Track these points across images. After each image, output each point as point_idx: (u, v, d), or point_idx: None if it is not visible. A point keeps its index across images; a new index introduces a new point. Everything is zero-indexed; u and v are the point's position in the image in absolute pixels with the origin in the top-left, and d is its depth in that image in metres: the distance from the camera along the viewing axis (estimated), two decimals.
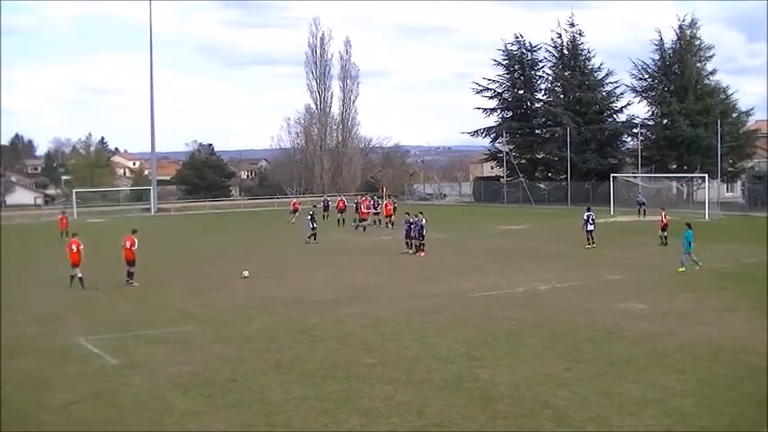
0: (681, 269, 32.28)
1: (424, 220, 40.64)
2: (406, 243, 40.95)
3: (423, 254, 39.20)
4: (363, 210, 57.04)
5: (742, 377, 16.74)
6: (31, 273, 36.08)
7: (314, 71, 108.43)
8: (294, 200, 69.05)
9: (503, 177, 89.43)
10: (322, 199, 70.91)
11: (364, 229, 54.26)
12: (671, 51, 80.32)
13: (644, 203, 62.95)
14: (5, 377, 17.86)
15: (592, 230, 40.95)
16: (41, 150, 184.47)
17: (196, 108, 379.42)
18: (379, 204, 60.38)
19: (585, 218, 41.14)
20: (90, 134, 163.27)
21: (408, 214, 42.64)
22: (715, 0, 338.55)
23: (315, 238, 46.29)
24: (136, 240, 32.16)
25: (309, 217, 48.16)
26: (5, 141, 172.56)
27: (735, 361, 18.14)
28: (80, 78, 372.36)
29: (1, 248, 43.83)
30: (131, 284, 31.56)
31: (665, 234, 40.69)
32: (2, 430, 14.52)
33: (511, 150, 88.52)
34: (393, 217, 54.40)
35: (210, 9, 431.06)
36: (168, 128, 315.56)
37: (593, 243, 40.47)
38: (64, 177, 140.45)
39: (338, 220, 58.36)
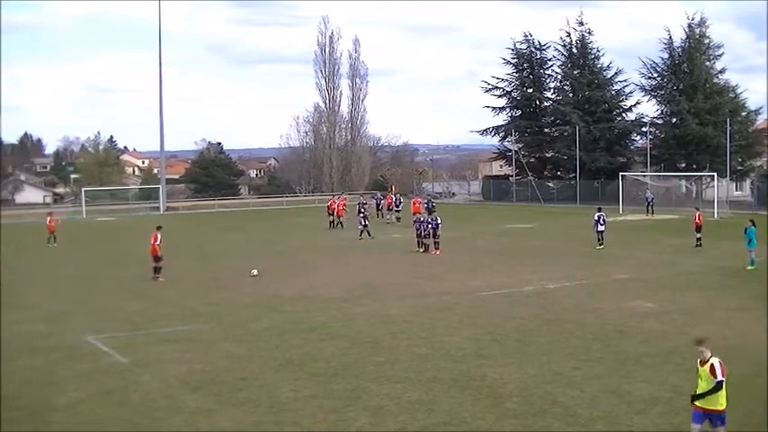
0: (750, 267, 32.11)
1: (439, 219, 40.70)
2: (417, 242, 40.94)
3: (437, 252, 39.17)
4: (340, 208, 56.54)
5: (752, 376, 16.70)
6: (40, 271, 36.20)
7: (323, 70, 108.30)
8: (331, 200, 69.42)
9: (511, 176, 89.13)
10: (374, 197, 70.03)
11: (342, 226, 54.29)
12: (680, 50, 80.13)
13: (652, 201, 62.77)
14: (15, 375, 17.94)
15: (602, 231, 40.57)
16: (50, 149, 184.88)
17: (205, 106, 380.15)
18: (401, 203, 60.40)
19: (596, 218, 40.70)
20: (99, 132, 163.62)
21: (419, 213, 42.77)
22: None
23: (369, 234, 46.85)
24: (159, 236, 32.46)
25: (362, 215, 49.02)
26: (15, 140, 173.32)
27: (744, 359, 18.06)
28: (89, 77, 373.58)
29: (0, 247, 43.65)
30: (157, 279, 31.87)
31: (700, 235, 39.80)
32: (11, 429, 14.58)
33: (520, 149, 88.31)
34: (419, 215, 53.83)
35: (219, 7, 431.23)
36: (177, 126, 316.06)
37: (603, 244, 40.21)
38: (73, 176, 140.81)
39: (330, 223, 55.57)
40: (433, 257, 38.17)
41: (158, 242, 32.33)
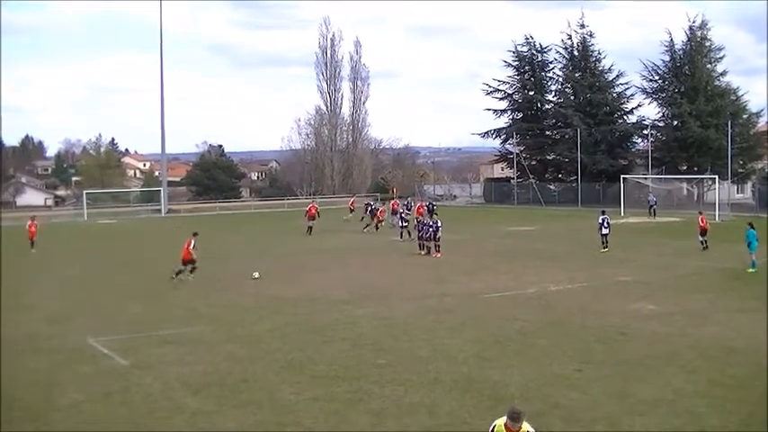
0: (750, 270, 32.08)
1: (439, 222, 40.75)
2: (419, 244, 40.96)
3: (439, 254, 39.13)
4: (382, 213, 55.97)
5: (753, 377, 16.73)
6: (42, 272, 36.20)
7: (324, 72, 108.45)
8: (352, 199, 70.93)
9: (513, 178, 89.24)
10: (366, 202, 70.27)
11: (377, 228, 53.96)
12: (681, 52, 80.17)
13: (655, 204, 62.76)
14: (16, 376, 17.94)
15: (607, 234, 40.32)
16: (52, 151, 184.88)
17: (206, 108, 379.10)
18: (411, 207, 60.44)
19: (601, 221, 40.51)
20: (100, 135, 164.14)
21: (422, 215, 42.77)
22: (725, 0, 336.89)
23: (410, 234, 46.38)
24: (193, 241, 32.76)
25: (399, 216, 49.49)
26: (16, 142, 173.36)
27: (746, 361, 18.14)
28: (91, 78, 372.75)
29: (1, 249, 43.70)
30: (173, 280, 32.07)
31: (705, 239, 39.39)
32: (12, 429, 14.58)
33: (521, 151, 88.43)
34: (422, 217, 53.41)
35: (221, 9, 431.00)
36: (179, 129, 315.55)
37: (607, 247, 40.07)
38: (74, 178, 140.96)
39: (309, 228, 53.21)
40: (435, 260, 38.17)
41: (192, 247, 32.61)
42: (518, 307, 25.50)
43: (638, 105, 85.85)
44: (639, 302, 25.85)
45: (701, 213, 41.46)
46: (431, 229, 40.30)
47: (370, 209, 58.96)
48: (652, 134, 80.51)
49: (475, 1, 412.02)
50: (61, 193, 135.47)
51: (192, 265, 32.51)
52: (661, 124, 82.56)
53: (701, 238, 39.49)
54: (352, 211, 64.11)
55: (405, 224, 47.94)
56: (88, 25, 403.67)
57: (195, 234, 33.46)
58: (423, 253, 40.07)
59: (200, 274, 33.81)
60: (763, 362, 17.82)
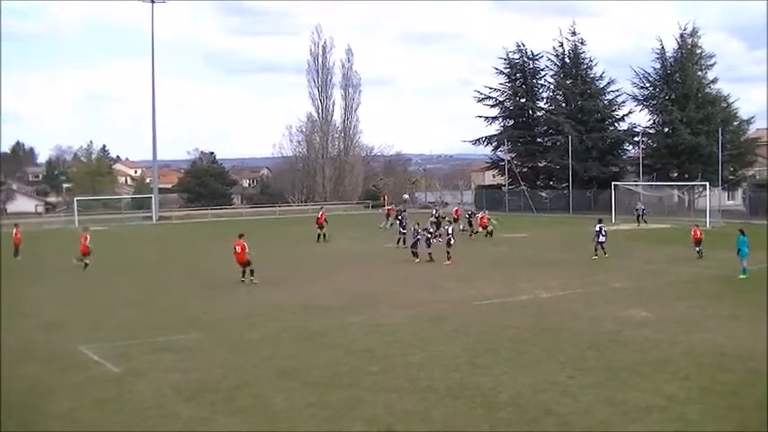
0: (741, 276, 32.15)
1: (450, 230, 41.13)
2: (413, 252, 40.98)
3: (449, 262, 38.99)
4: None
5: (746, 384, 16.75)
6: (34, 279, 36.08)
7: (316, 79, 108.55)
8: (389, 207, 72.18)
9: (504, 185, 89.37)
10: (396, 209, 70.69)
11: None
12: (672, 60, 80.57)
13: (642, 212, 62.42)
14: (10, 383, 17.86)
15: (603, 242, 40.14)
16: (43, 158, 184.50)
17: (198, 115, 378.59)
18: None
19: (597, 229, 40.20)
20: (91, 142, 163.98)
21: (419, 224, 42.80)
22: (718, 1, 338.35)
23: (404, 243, 46.16)
24: (246, 244, 33.37)
25: (399, 221, 49.91)
26: (7, 149, 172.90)
27: (738, 368, 18.16)
28: (82, 85, 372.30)
29: (1, 255, 43.71)
30: (253, 282, 32.79)
31: (700, 248, 39.30)
32: None
33: (512, 159, 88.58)
34: (489, 227, 53.20)
35: (214, 16, 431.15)
36: (170, 135, 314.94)
37: (606, 253, 39.73)
38: (65, 185, 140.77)
39: (318, 236, 52.57)
40: (428, 266, 38.17)
41: (247, 250, 33.27)
42: (510, 314, 25.52)
43: (630, 112, 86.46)
44: (632, 309, 25.89)
45: (696, 225, 41.67)
46: (445, 237, 40.54)
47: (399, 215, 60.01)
48: (643, 141, 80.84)
49: (467, 9, 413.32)
50: (52, 199, 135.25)
51: (250, 268, 33.11)
52: (652, 131, 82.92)
53: (697, 248, 39.38)
54: (388, 217, 64.91)
55: (404, 231, 47.87)
56: (82, 33, 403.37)
57: (242, 235, 33.98)
58: (424, 260, 39.76)
59: (194, 280, 33.85)
60: (756, 368, 17.86)
